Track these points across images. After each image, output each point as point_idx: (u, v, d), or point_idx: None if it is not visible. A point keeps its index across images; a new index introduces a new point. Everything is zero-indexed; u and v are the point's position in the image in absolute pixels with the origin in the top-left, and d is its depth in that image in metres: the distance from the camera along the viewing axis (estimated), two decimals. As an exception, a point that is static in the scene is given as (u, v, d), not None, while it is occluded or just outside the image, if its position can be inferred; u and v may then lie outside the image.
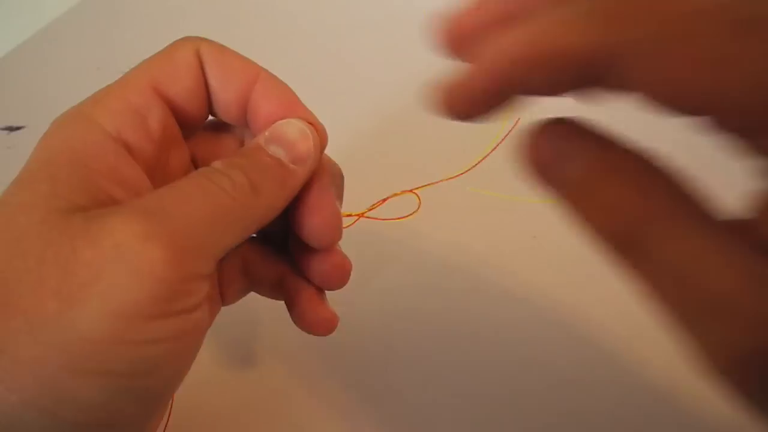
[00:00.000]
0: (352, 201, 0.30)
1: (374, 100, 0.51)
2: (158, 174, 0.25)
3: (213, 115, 0.27)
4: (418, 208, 0.29)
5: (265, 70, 0.26)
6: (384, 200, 0.29)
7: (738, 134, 0.17)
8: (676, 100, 0.17)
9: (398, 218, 0.29)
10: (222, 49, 0.26)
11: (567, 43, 0.17)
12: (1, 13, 0.60)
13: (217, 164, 0.23)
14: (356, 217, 0.29)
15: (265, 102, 0.25)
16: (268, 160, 0.24)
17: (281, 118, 0.25)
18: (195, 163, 0.28)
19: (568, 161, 0.18)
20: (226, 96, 0.26)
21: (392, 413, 0.34)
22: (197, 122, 0.27)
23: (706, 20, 0.17)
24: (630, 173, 0.18)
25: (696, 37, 0.17)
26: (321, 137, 0.26)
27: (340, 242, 0.27)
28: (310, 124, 0.26)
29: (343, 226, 0.26)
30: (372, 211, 0.29)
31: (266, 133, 0.25)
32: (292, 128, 0.25)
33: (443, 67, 0.20)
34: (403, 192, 0.29)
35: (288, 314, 0.27)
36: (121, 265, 0.19)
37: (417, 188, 0.29)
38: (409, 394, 0.34)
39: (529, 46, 0.18)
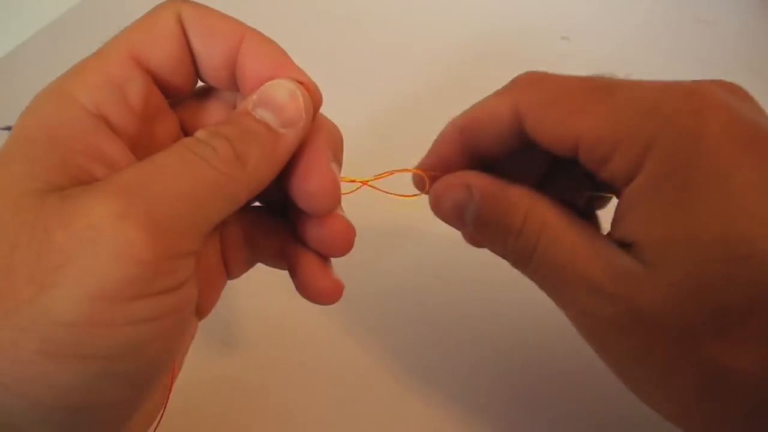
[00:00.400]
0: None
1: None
2: (143, 148, 0.23)
3: (202, 80, 0.26)
4: (427, 189, 0.28)
5: (251, 29, 0.25)
6: (392, 172, 0.28)
7: (596, 165, 0.24)
8: (556, 138, 0.25)
9: (404, 195, 0.29)
10: (204, 10, 0.24)
11: (495, 105, 0.27)
12: (1, 13, 0.60)
13: (200, 133, 0.22)
14: (359, 184, 0.28)
15: (252, 62, 0.24)
16: (256, 126, 0.22)
17: (271, 79, 0.24)
18: (186, 133, 0.26)
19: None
20: (212, 60, 0.24)
21: (390, 398, 0.34)
22: (184, 90, 0.26)
23: (576, 89, 0.25)
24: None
25: (569, 96, 0.25)
26: (313, 97, 0.25)
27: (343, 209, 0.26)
28: (301, 83, 0.24)
29: (344, 192, 0.25)
30: (378, 183, 0.28)
31: (254, 96, 0.23)
32: (281, 90, 0.23)
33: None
34: (416, 170, 0.29)
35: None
36: (96, 247, 0.18)
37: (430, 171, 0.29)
38: (407, 379, 0.34)
39: (475, 112, 0.28)
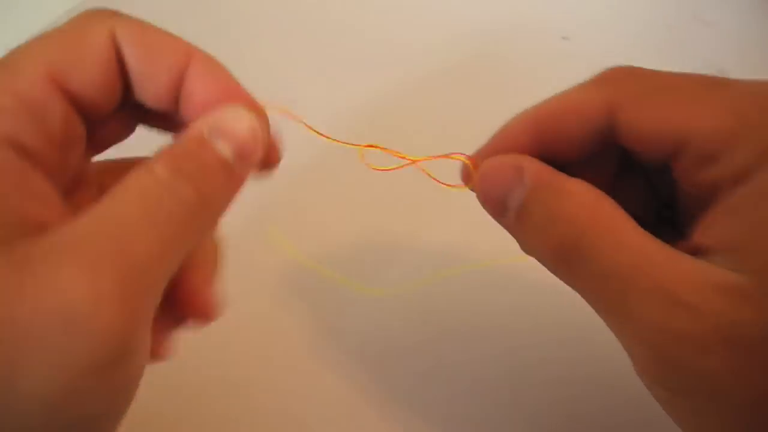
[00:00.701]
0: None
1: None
2: (58, 179, 0.22)
3: (136, 101, 0.24)
4: (472, 184, 0.27)
5: (197, 49, 0.23)
6: (448, 155, 0.27)
7: (698, 165, 0.22)
8: (658, 133, 0.23)
9: (448, 184, 0.27)
10: (144, 27, 0.23)
11: (582, 100, 0.24)
12: (1, 13, 0.60)
13: (159, 170, 0.20)
14: (409, 162, 0.27)
15: (201, 86, 0.23)
16: (215, 163, 0.21)
17: (220, 104, 0.23)
18: (95, 147, 0.24)
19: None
20: (154, 82, 0.23)
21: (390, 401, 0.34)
22: (107, 113, 0.23)
23: (682, 81, 0.23)
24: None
25: (676, 88, 0.23)
26: (267, 127, 0.23)
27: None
28: (253, 110, 0.23)
29: (391, 168, 0.26)
30: (426, 164, 0.27)
31: (210, 121, 0.22)
32: (242, 122, 0.22)
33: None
34: (468, 158, 0.27)
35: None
36: (69, 329, 0.17)
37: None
38: (408, 384, 0.34)
39: (557, 104, 0.25)
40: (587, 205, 0.22)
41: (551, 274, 0.24)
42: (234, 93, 0.23)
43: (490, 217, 0.25)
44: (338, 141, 0.27)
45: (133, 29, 0.22)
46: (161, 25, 0.24)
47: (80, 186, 0.24)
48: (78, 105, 0.22)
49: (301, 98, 0.51)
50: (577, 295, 0.23)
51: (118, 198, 0.19)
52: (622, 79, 0.24)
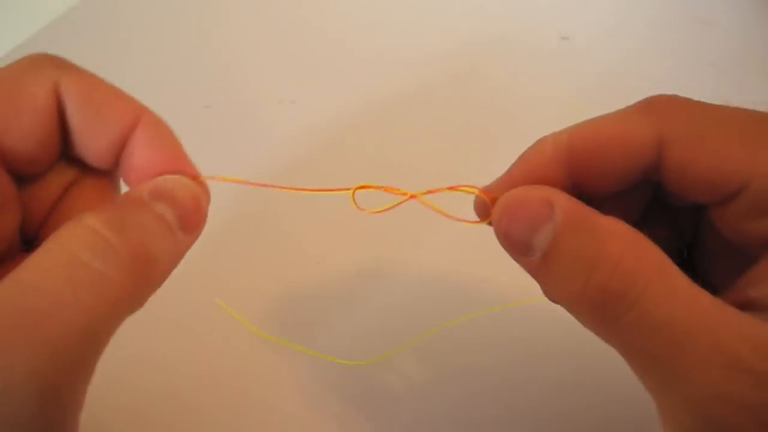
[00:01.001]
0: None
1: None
2: None
3: (73, 155, 0.23)
4: (489, 220, 0.23)
5: (146, 110, 0.22)
6: (453, 188, 0.23)
7: (756, 212, 0.20)
8: (717, 174, 0.20)
9: (463, 219, 0.24)
10: (91, 83, 0.21)
11: (628, 130, 0.21)
12: (1, 13, 0.60)
13: (96, 222, 0.18)
14: (408, 197, 0.24)
15: (145, 152, 0.22)
16: (157, 222, 0.20)
17: (163, 173, 0.22)
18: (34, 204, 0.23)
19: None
20: (96, 142, 0.22)
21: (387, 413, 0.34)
22: (40, 170, 0.22)
23: (740, 118, 0.20)
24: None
25: (736, 127, 0.20)
26: (208, 198, 0.22)
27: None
28: (194, 179, 0.22)
29: (390, 206, 0.23)
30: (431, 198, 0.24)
31: (151, 186, 0.21)
32: (184, 190, 0.21)
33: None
34: (482, 192, 0.23)
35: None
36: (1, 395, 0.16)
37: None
38: (408, 392, 0.34)
39: (597, 132, 0.22)
40: (630, 244, 0.19)
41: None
42: (178, 163, 0.22)
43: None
44: (325, 190, 0.24)
45: (79, 84, 0.21)
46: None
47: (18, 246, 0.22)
48: (7, 163, 0.21)
49: (301, 98, 0.52)
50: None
51: (39, 261, 0.18)
52: (670, 110, 0.21)
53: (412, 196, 0.24)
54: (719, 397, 0.18)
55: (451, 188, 0.23)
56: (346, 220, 0.34)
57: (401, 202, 0.23)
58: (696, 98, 0.22)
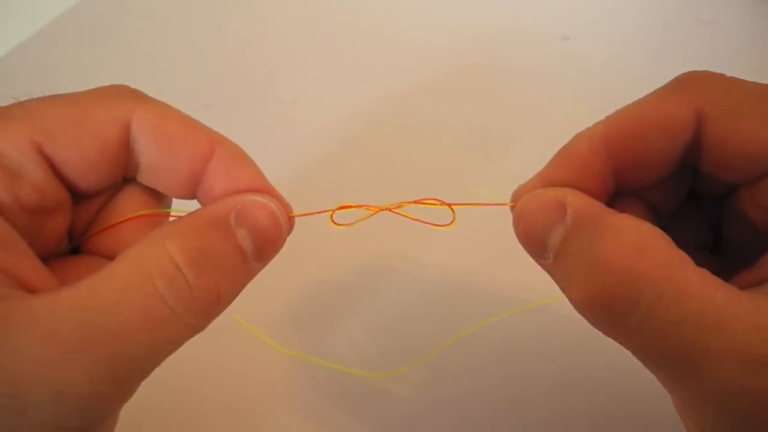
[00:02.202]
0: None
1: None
2: (38, 243, 0.21)
3: (146, 183, 0.23)
4: (453, 221, 0.24)
5: (222, 139, 0.22)
6: (418, 201, 0.25)
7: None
8: (755, 147, 0.20)
9: (435, 224, 0.24)
10: (165, 116, 0.21)
11: (664, 111, 0.21)
12: (1, 13, 0.60)
13: (176, 252, 0.19)
14: (376, 210, 0.25)
15: (223, 185, 0.21)
16: (236, 256, 0.20)
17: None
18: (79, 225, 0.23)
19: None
20: (170, 174, 0.22)
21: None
22: (95, 191, 0.22)
23: None
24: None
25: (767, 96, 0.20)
26: (290, 222, 0.22)
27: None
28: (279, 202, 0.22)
29: (357, 221, 0.24)
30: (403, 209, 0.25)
31: (239, 207, 0.20)
32: (266, 217, 0.21)
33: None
34: (439, 203, 0.24)
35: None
36: (23, 422, 0.17)
37: (455, 204, 0.24)
38: (409, 395, 0.34)
39: (631, 118, 0.21)
40: (635, 242, 0.19)
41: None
42: (260, 188, 0.22)
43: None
44: (306, 214, 0.24)
45: (152, 116, 0.21)
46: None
47: (67, 253, 0.23)
48: (64, 180, 0.21)
49: (301, 97, 0.52)
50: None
51: (116, 278, 0.18)
52: (705, 86, 0.21)
53: (381, 209, 0.24)
54: (738, 390, 0.18)
55: (419, 201, 0.24)
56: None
57: (370, 215, 0.24)
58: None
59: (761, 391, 0.17)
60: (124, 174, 0.23)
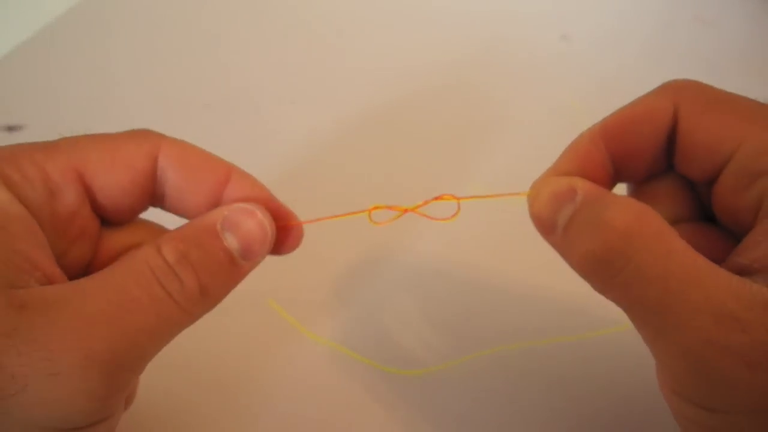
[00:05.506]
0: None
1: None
2: (56, 252, 0.23)
3: (171, 210, 0.26)
4: (457, 213, 0.27)
5: (235, 167, 0.25)
6: (437, 198, 0.28)
7: (746, 179, 0.22)
8: (713, 141, 0.23)
9: (442, 219, 0.28)
10: (187, 149, 0.25)
11: (651, 107, 0.24)
12: (1, 13, 0.60)
13: (167, 253, 0.22)
14: (402, 212, 0.28)
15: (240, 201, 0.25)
16: (222, 256, 0.23)
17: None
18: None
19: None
20: (195, 197, 0.25)
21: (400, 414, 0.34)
22: (123, 220, 0.26)
23: (741, 99, 0.24)
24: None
25: (735, 103, 0.23)
26: (298, 233, 0.25)
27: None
28: (279, 212, 0.25)
29: (387, 220, 0.26)
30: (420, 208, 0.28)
31: (225, 213, 0.23)
32: (251, 222, 0.24)
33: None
34: (450, 197, 0.27)
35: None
36: (55, 382, 0.19)
37: (461, 198, 0.27)
38: (409, 387, 0.34)
39: (624, 113, 0.25)
40: (634, 213, 0.22)
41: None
42: (270, 207, 0.25)
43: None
44: (345, 215, 0.27)
45: (177, 149, 0.24)
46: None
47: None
48: (97, 208, 0.24)
49: (300, 98, 0.52)
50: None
51: (123, 269, 0.22)
52: (684, 88, 0.25)
53: (406, 211, 0.27)
54: (709, 342, 0.20)
55: (435, 199, 0.27)
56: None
57: (396, 217, 0.27)
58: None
59: (727, 346, 0.20)
60: (151, 202, 0.26)
